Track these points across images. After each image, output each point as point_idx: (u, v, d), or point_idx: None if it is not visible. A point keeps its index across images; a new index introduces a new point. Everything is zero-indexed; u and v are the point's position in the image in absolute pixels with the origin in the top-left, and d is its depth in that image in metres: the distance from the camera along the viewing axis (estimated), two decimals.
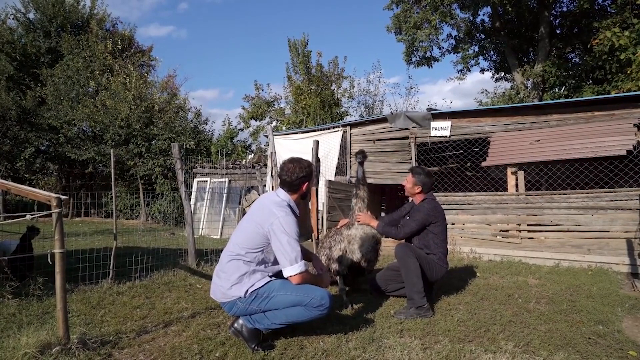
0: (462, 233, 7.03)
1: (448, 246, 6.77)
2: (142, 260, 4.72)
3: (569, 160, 6.36)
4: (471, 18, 16.68)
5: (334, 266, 3.86)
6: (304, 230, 4.25)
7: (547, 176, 7.56)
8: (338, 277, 3.92)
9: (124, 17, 62.53)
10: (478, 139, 7.58)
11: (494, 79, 18.71)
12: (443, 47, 17.51)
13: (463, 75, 18.05)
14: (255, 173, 11.14)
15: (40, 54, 18.19)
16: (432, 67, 17.45)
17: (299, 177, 2.77)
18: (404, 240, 3.95)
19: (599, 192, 6.04)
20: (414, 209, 3.82)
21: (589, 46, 11.98)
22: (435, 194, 7.24)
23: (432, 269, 3.58)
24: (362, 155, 3.88)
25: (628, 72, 10.37)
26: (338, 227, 4.07)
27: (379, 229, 3.74)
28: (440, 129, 7.82)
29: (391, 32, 16.80)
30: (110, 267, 4.39)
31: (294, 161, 2.83)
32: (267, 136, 15.46)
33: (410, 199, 3.95)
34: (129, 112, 14.31)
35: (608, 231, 5.89)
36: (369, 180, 8.75)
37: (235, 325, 2.67)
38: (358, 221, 3.76)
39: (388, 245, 5.69)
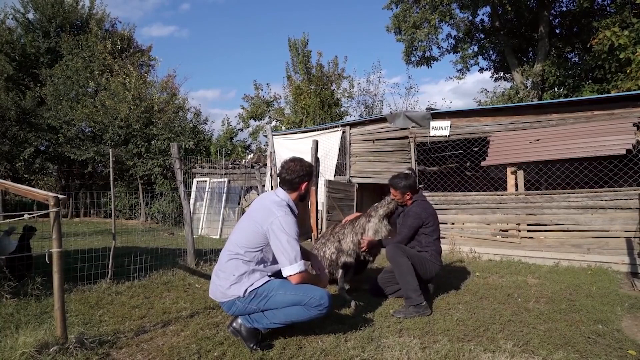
0: (461, 233, 7.03)
1: (448, 246, 6.84)
2: (141, 260, 4.72)
3: (569, 159, 6.35)
4: (470, 18, 16.69)
5: (343, 258, 3.87)
6: (303, 230, 4.25)
7: (546, 176, 7.55)
8: (341, 271, 3.93)
9: (126, 17, 62.60)
10: (477, 138, 7.57)
11: (494, 79, 18.75)
12: (442, 47, 17.56)
13: (462, 74, 18.06)
14: (254, 173, 11.14)
15: (40, 54, 18.18)
16: (431, 66, 17.49)
17: (299, 175, 2.77)
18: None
19: (598, 192, 6.04)
20: (403, 213, 3.84)
21: (588, 45, 11.98)
22: (435, 193, 7.33)
23: (424, 266, 3.59)
24: None
25: (627, 71, 10.36)
26: (345, 222, 4.06)
27: (385, 243, 3.81)
28: (440, 129, 7.81)
29: (391, 32, 16.81)
30: (109, 266, 4.38)
31: (296, 160, 2.85)
32: (266, 136, 15.45)
33: None
34: (128, 112, 14.30)
35: (608, 230, 5.89)
36: (368, 180, 8.77)
37: (234, 324, 2.66)
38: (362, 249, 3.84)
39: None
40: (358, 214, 4.13)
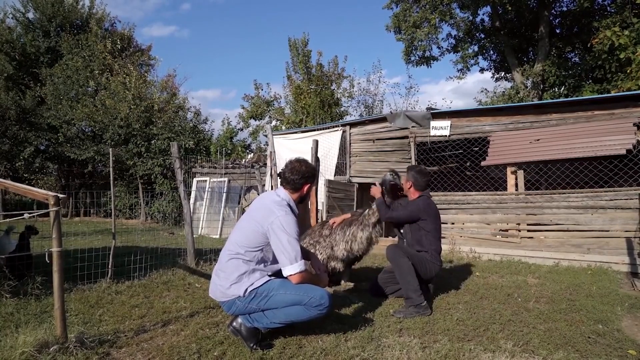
0: (461, 232, 7.02)
1: (448, 246, 6.84)
2: (141, 260, 4.71)
3: (569, 159, 6.35)
4: (471, 17, 16.67)
5: (333, 264, 3.96)
6: (303, 230, 4.25)
7: (546, 175, 7.55)
8: (340, 266, 4.01)
9: (127, 17, 62.44)
10: (478, 138, 7.57)
11: (494, 79, 18.74)
12: (442, 47, 17.55)
13: (463, 74, 18.08)
14: (254, 172, 11.13)
15: (40, 53, 18.17)
16: (430, 66, 17.47)
17: (303, 176, 2.78)
18: (397, 241, 4.00)
19: (598, 192, 6.04)
20: (408, 202, 3.86)
21: (588, 45, 11.98)
22: (435, 193, 7.32)
23: (425, 266, 3.59)
24: (394, 175, 3.92)
25: (628, 71, 10.36)
26: (336, 224, 4.06)
27: (377, 201, 3.85)
28: (440, 129, 7.81)
29: (391, 32, 16.80)
30: (109, 266, 4.37)
31: (300, 161, 2.87)
32: (266, 136, 15.45)
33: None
34: (128, 111, 14.30)
35: (608, 230, 5.89)
36: (368, 180, 8.76)
37: (234, 324, 2.66)
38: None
39: (383, 245, 5.69)
40: (346, 216, 4.14)
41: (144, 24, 56.94)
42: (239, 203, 11.28)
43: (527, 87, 15.19)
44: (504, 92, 16.89)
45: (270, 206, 2.67)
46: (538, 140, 6.67)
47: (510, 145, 6.95)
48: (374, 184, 3.95)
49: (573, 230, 6.13)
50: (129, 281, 4.32)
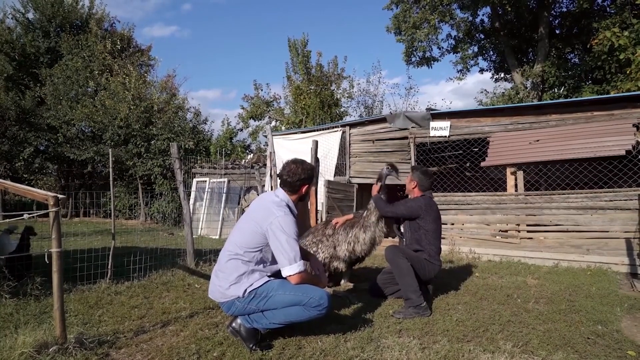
0: (461, 233, 7.02)
1: (448, 246, 6.84)
2: (141, 260, 4.71)
3: (568, 160, 6.36)
4: (470, 18, 16.72)
5: (335, 263, 4.01)
6: (303, 230, 4.27)
7: (546, 176, 7.56)
8: (342, 266, 4.05)
9: (127, 17, 62.49)
10: (477, 139, 7.58)
11: (494, 79, 18.76)
12: (442, 47, 17.58)
13: (463, 75, 18.11)
14: (254, 173, 11.13)
15: (40, 53, 18.16)
16: (431, 67, 17.51)
17: (300, 178, 2.77)
18: (397, 242, 4.01)
19: (598, 192, 6.04)
20: (410, 199, 3.89)
21: (588, 46, 12.00)
22: (434, 194, 7.29)
23: (424, 267, 3.59)
24: (390, 168, 3.98)
25: (627, 72, 10.37)
26: (339, 224, 4.07)
27: (374, 197, 3.90)
28: (440, 129, 7.82)
29: (391, 33, 16.83)
30: (109, 266, 4.37)
31: (297, 162, 2.84)
32: (266, 136, 15.46)
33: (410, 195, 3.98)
34: (128, 112, 14.30)
35: (607, 231, 5.89)
36: (368, 181, 8.76)
37: (234, 324, 2.66)
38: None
39: (383, 246, 5.69)
40: (348, 216, 4.15)
41: (144, 24, 56.95)
42: (238, 203, 11.28)
43: (526, 87, 15.21)
44: (503, 92, 16.90)
45: (269, 207, 2.67)
46: (538, 141, 6.68)
47: (509, 146, 6.95)
48: (375, 184, 3.98)
49: (572, 231, 6.13)
50: (128, 282, 4.32)
